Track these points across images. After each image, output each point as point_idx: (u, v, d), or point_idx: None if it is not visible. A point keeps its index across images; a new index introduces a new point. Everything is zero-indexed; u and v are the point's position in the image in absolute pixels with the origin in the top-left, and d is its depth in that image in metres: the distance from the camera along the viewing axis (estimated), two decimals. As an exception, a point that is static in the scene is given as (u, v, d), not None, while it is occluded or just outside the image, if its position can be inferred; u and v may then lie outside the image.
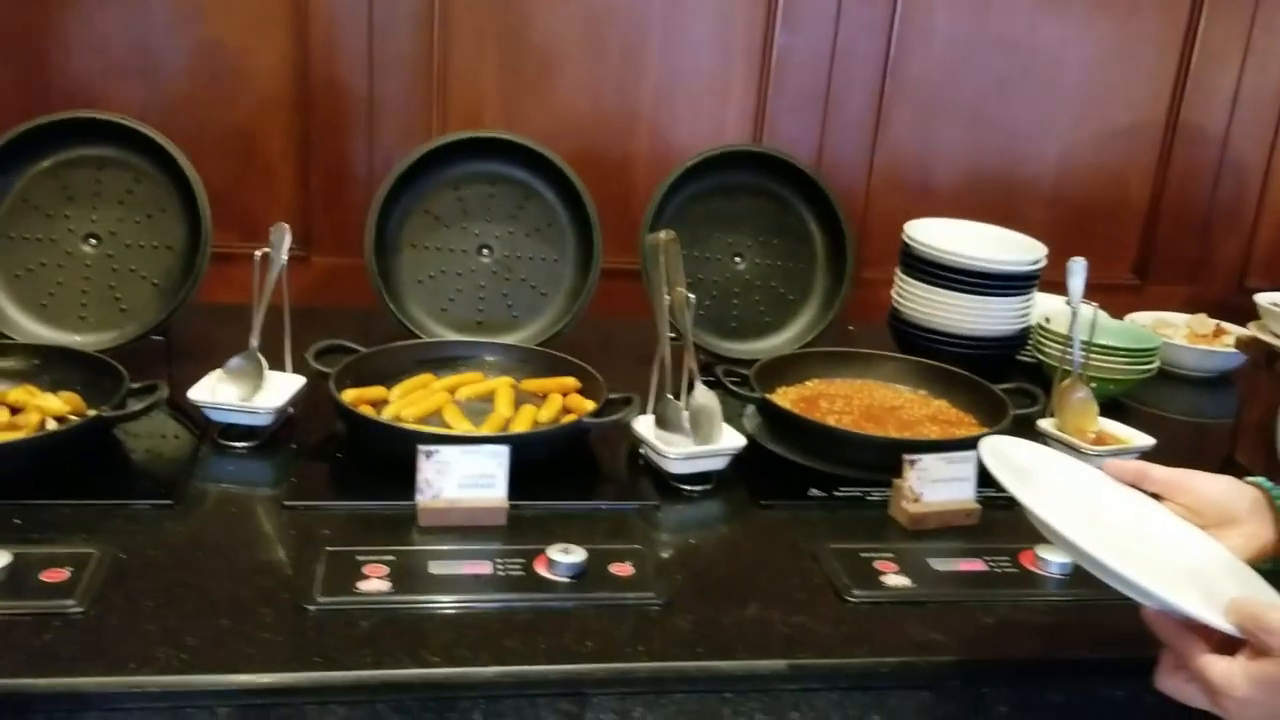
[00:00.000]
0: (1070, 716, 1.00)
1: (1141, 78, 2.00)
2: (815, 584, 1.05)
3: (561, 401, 1.36)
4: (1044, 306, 1.68)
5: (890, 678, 0.95)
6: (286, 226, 1.32)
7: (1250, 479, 0.94)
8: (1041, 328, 1.63)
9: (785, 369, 1.50)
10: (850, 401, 1.45)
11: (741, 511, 1.21)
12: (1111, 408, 1.52)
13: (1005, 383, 1.45)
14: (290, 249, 1.32)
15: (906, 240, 1.65)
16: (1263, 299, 1.39)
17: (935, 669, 0.96)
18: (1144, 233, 2.10)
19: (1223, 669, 0.75)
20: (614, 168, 1.87)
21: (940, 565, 1.10)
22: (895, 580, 1.06)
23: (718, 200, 1.68)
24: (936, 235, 1.63)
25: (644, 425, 1.27)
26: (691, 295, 1.26)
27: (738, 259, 1.69)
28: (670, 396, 1.25)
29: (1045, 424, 1.39)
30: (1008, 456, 0.89)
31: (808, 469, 1.28)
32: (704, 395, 1.26)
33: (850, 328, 1.81)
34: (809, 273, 1.71)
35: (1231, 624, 0.76)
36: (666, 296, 1.26)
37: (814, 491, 1.24)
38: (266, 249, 1.30)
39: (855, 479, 1.26)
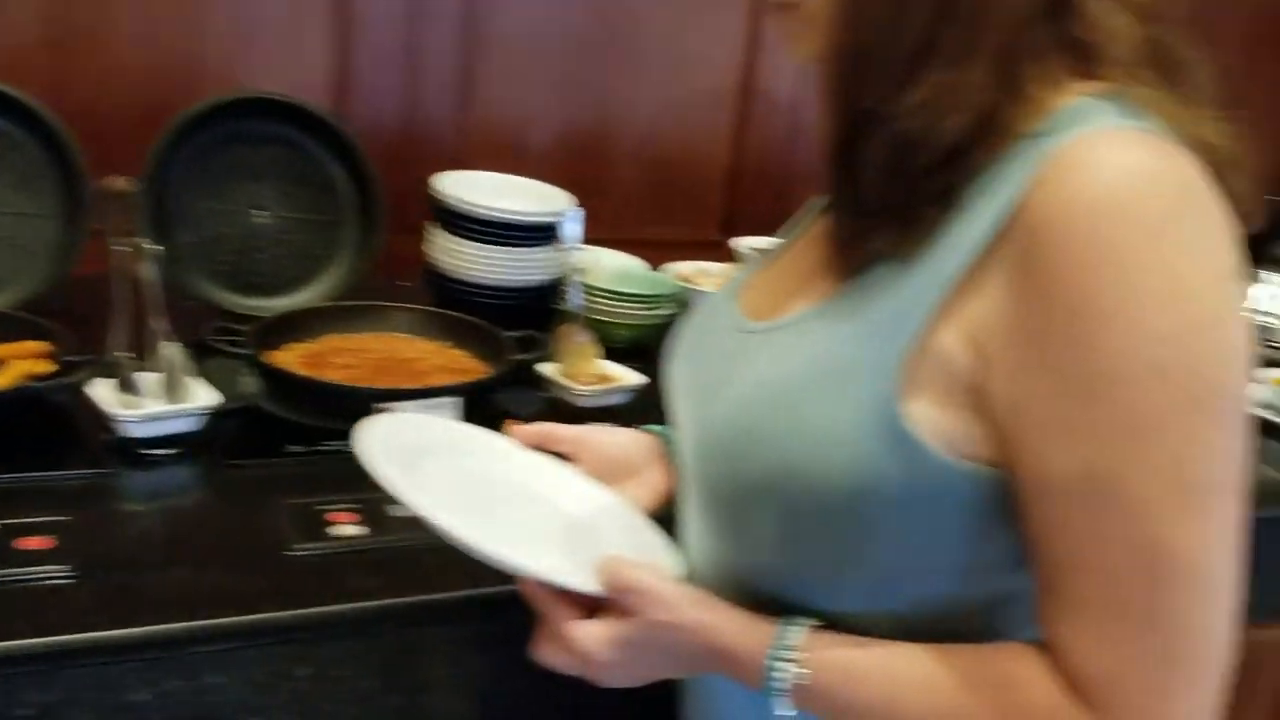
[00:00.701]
0: (511, 649, 1.02)
1: (718, 45, 2.06)
2: (257, 541, 1.01)
3: (25, 368, 1.23)
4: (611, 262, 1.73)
5: (314, 629, 0.93)
6: None
7: (647, 427, 0.93)
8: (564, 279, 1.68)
9: (300, 324, 1.44)
10: (365, 355, 1.42)
11: (209, 474, 1.15)
12: (636, 352, 1.57)
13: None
14: None
15: (431, 193, 1.63)
16: (739, 243, 1.49)
17: (366, 615, 0.94)
18: (727, 193, 2.18)
19: (584, 633, 0.71)
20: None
21: (401, 511, 1.09)
22: (347, 530, 1.04)
23: (236, 150, 1.58)
24: (460, 187, 1.62)
25: (102, 389, 1.17)
26: (156, 247, 1.18)
27: (259, 211, 1.60)
28: (129, 356, 1.17)
29: (545, 368, 1.42)
30: (402, 437, 0.84)
31: (301, 425, 1.24)
32: (170, 353, 1.18)
33: (408, 283, 1.77)
34: (338, 226, 1.65)
35: (599, 586, 0.72)
36: (121, 248, 1.17)
37: (293, 448, 1.20)
38: None
39: (343, 432, 1.23)
